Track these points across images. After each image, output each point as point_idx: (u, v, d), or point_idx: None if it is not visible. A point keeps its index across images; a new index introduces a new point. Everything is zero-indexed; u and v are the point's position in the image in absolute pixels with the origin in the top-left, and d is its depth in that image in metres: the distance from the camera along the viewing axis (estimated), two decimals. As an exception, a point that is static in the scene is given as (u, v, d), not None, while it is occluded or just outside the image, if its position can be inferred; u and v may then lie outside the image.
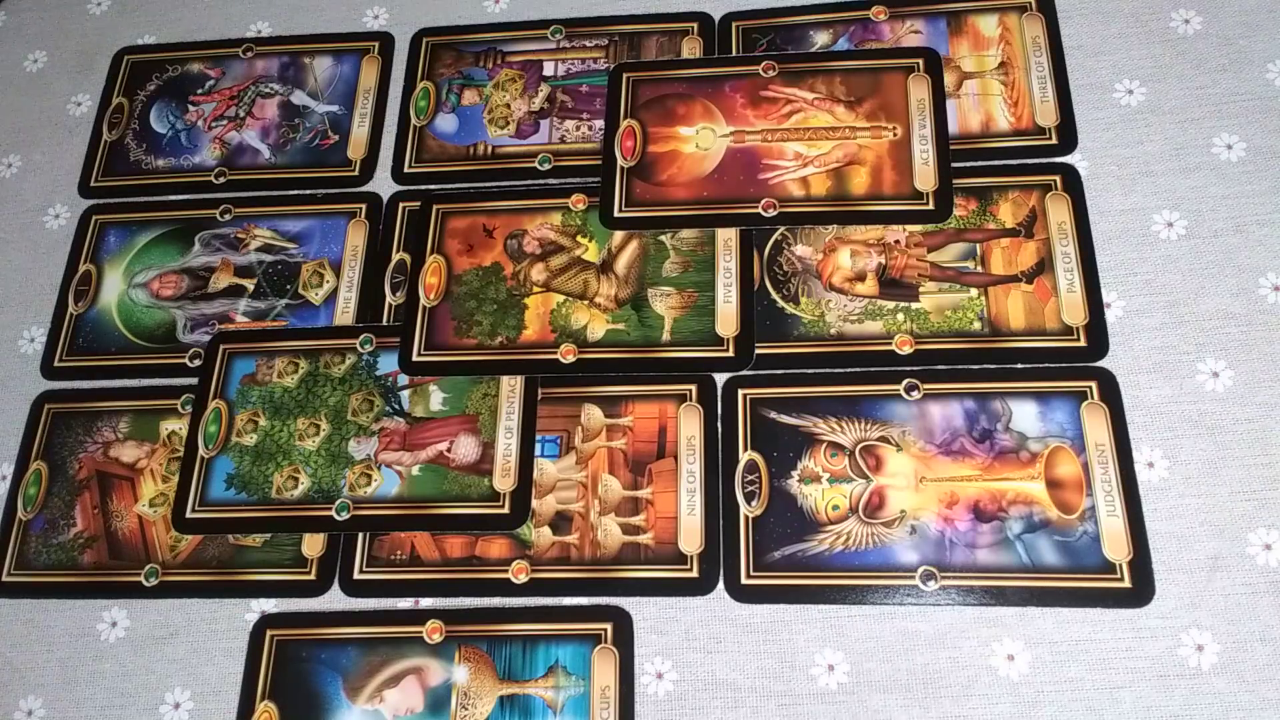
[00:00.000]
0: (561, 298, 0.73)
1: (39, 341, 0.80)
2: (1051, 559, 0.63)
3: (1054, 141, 0.74)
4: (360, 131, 0.83)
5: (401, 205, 0.79)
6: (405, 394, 0.72)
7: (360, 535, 0.69)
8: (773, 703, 0.63)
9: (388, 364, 0.73)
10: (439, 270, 0.75)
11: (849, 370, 0.69)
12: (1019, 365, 0.68)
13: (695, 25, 0.82)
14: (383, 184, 0.81)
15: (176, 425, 0.75)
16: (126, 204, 0.83)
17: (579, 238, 0.75)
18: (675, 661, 0.64)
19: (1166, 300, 0.69)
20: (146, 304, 0.79)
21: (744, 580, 0.65)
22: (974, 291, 0.70)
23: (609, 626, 0.65)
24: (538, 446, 0.70)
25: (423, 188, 0.80)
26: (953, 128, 0.75)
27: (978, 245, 0.71)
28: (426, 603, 0.68)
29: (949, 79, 0.76)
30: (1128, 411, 0.66)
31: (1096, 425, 0.65)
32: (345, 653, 0.66)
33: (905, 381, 0.68)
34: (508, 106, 0.82)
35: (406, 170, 0.81)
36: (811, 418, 0.68)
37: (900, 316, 0.70)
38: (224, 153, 0.84)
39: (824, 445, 0.68)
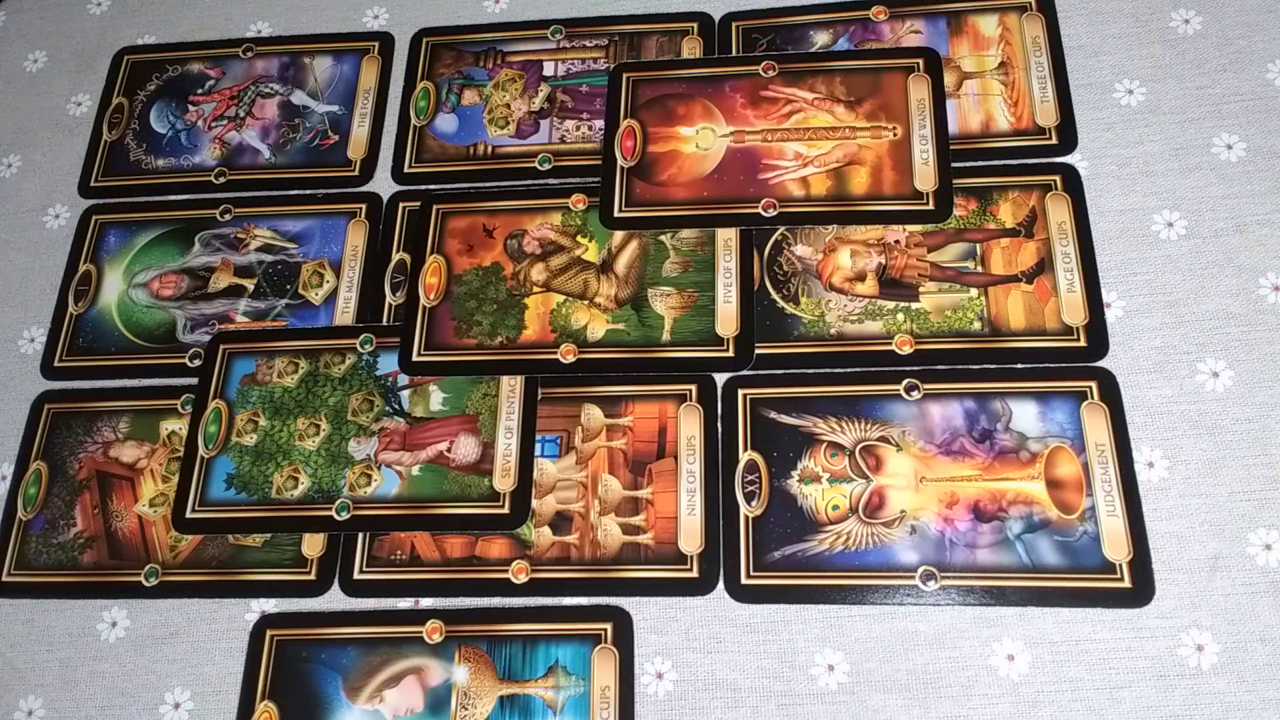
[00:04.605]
0: (561, 298, 0.73)
1: (39, 341, 0.80)
2: (1051, 559, 0.63)
3: (1054, 141, 0.74)
4: (360, 131, 0.83)
5: (401, 205, 0.79)
6: (405, 394, 0.72)
7: (360, 535, 0.69)
8: (773, 703, 0.63)
9: (388, 364, 0.73)
10: (439, 270, 0.75)
11: (849, 370, 0.69)
12: (1019, 365, 0.68)
13: (695, 25, 0.82)
14: (383, 184, 0.81)
15: (176, 425, 0.75)
16: (126, 204, 0.83)
17: (579, 238, 0.75)
18: (675, 661, 0.64)
19: (1166, 300, 0.69)
20: (146, 304, 0.79)
21: (744, 580, 0.65)
22: (974, 291, 0.70)
23: (609, 626, 0.65)
24: (538, 446, 0.70)
25: (423, 188, 0.80)
26: (953, 128, 0.75)
27: (978, 245, 0.71)
28: (426, 603, 0.68)
29: (949, 79, 0.76)
30: (1128, 411, 0.66)
31: (1096, 425, 0.65)
32: (345, 653, 0.66)
33: (905, 381, 0.68)
34: (508, 106, 0.82)
35: (406, 170, 0.81)
36: (811, 418, 0.68)
37: (900, 316, 0.70)
38: (224, 153, 0.84)
39: (824, 445, 0.68)
